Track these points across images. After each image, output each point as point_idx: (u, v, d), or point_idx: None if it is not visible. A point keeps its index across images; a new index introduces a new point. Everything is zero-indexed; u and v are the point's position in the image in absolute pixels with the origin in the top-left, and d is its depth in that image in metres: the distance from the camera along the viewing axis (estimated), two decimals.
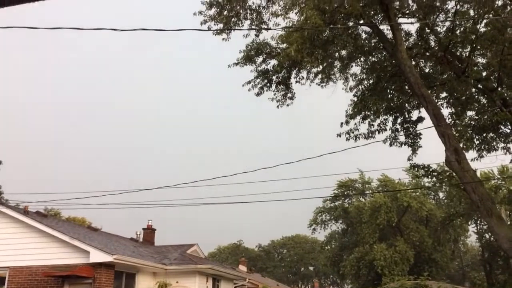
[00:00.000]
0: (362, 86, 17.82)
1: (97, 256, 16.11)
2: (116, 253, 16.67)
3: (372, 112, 17.18)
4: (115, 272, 17.07)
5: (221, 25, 15.73)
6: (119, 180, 74.08)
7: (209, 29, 15.27)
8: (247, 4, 15.83)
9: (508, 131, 16.06)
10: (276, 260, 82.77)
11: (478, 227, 46.27)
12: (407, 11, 16.55)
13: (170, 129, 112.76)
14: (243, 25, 16.07)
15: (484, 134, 16.61)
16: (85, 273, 15.98)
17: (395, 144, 17.25)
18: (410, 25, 17.20)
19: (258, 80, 16.81)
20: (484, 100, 16.43)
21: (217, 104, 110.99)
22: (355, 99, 17.46)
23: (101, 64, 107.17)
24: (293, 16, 14.56)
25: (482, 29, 14.81)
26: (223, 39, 15.92)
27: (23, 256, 16.78)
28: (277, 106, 17.23)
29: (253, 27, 16.02)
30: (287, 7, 14.31)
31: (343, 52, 17.13)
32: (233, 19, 15.80)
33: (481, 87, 15.50)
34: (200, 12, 15.58)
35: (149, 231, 27.25)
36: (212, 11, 15.61)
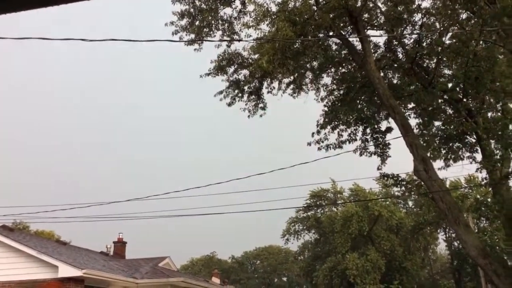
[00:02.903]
0: (333, 97, 18.07)
1: (66, 271, 15.71)
2: (85, 267, 16.29)
3: (342, 122, 17.42)
4: (85, 287, 16.67)
5: (192, 36, 15.74)
6: (89, 193, 72.56)
7: (180, 39, 15.25)
8: (219, 15, 15.91)
9: (474, 140, 16.46)
10: (250, 272, 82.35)
11: (447, 235, 47.24)
12: (376, 23, 16.93)
13: (144, 138, 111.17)
14: (215, 36, 16.13)
15: (451, 144, 17.01)
16: None
17: (365, 154, 17.52)
18: (378, 37, 17.60)
19: (229, 90, 16.86)
20: (450, 110, 16.83)
21: (197, 112, 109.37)
22: (326, 109, 17.68)
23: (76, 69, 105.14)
24: (265, 27, 14.70)
25: (448, 42, 15.25)
26: (195, 49, 15.95)
27: None
28: (248, 116, 17.30)
29: (225, 37, 16.08)
30: (259, 18, 14.42)
31: (314, 63, 17.35)
32: (204, 30, 15.84)
33: (447, 98, 15.90)
34: (172, 23, 15.56)
35: (120, 244, 26.77)
36: (184, 22, 15.62)
